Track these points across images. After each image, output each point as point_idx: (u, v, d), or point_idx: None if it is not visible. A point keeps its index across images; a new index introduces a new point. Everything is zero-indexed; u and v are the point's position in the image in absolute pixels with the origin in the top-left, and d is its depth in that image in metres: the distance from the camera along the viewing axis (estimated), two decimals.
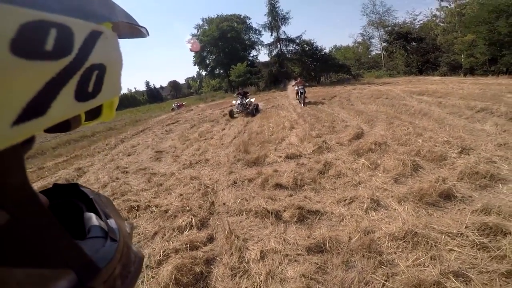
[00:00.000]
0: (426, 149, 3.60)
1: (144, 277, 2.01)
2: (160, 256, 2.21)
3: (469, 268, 1.62)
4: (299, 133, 5.63)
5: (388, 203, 2.59)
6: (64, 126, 0.30)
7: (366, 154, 3.93)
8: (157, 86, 68.64)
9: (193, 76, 60.76)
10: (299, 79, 12.05)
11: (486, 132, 4.17)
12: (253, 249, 2.20)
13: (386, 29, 29.13)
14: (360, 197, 2.74)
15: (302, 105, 10.54)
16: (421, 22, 27.25)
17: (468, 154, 3.33)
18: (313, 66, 26.81)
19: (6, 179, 0.22)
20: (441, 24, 23.61)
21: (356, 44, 34.47)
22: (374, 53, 32.40)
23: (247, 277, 1.90)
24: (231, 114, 10.30)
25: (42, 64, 0.20)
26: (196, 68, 44.42)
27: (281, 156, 4.48)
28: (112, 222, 0.37)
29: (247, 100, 10.65)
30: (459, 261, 1.68)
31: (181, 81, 72.00)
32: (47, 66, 0.20)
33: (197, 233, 2.51)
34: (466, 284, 1.51)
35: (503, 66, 15.57)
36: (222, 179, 3.95)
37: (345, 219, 2.45)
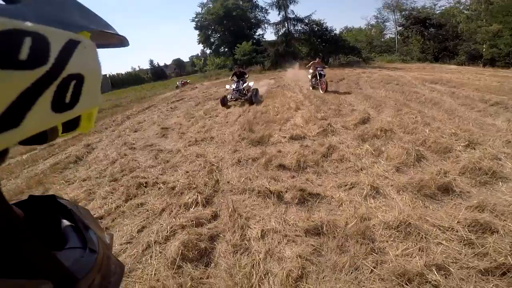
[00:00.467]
0: (432, 139, 3.62)
1: (152, 252, 2.18)
2: (167, 232, 2.36)
3: (452, 262, 1.74)
4: (304, 115, 5.66)
5: (388, 191, 2.68)
6: (40, 138, 0.29)
7: (370, 140, 3.98)
8: (161, 64, 68.14)
9: (197, 54, 60.14)
10: (317, 59, 9.93)
11: (496, 127, 4.12)
12: (255, 228, 2.34)
13: (403, 13, 27.80)
14: (361, 183, 2.84)
15: (321, 91, 8.83)
16: (443, 8, 26.10)
17: (474, 148, 3.33)
18: (321, 47, 25.79)
19: None
20: (465, 12, 22.35)
21: (369, 27, 33.35)
22: (387, 37, 31.43)
23: (247, 254, 2.05)
24: (224, 102, 8.42)
25: (16, 73, 0.20)
26: (201, 46, 43.79)
27: (285, 137, 4.56)
28: (91, 233, 0.37)
29: (244, 84, 8.76)
30: (444, 255, 1.79)
31: (185, 59, 71.08)
32: (21, 76, 0.20)
33: (203, 210, 2.66)
34: (446, 277, 1.63)
35: None
36: (226, 157, 4.08)
37: (344, 204, 2.55)
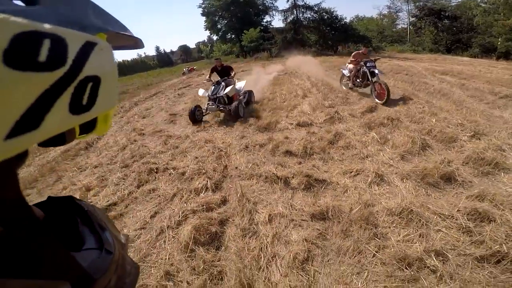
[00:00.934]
0: (438, 129, 3.63)
1: (166, 237, 2.26)
2: (179, 217, 2.45)
3: (450, 249, 1.81)
4: (311, 102, 5.66)
5: (392, 179, 2.75)
6: (58, 140, 0.29)
7: (377, 128, 4.01)
8: (167, 50, 67.24)
9: (204, 40, 59.64)
10: (363, 48, 6.77)
11: (503, 119, 4.09)
12: (262, 212, 2.42)
13: (417, 3, 27.09)
14: (366, 170, 2.90)
15: (377, 99, 5.53)
16: (459, 0, 25.10)
17: (479, 139, 3.34)
18: (331, 35, 25.81)
19: None
20: (482, 5, 21.39)
21: (381, 16, 32.81)
22: (399, 27, 30.97)
23: (256, 238, 2.14)
24: (194, 117, 5.39)
25: (35, 75, 0.19)
26: (207, 32, 43.64)
27: (292, 123, 4.61)
28: (107, 234, 0.37)
29: (227, 89, 5.48)
30: (443, 242, 1.87)
31: (192, 45, 70.65)
32: (40, 77, 0.20)
33: (212, 195, 2.75)
34: (443, 263, 1.71)
35: None
36: (234, 143, 4.15)
37: (349, 190, 2.63)
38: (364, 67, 5.92)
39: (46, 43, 0.20)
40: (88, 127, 0.32)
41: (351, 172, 2.97)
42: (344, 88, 7.03)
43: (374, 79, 5.68)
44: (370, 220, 2.16)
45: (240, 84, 6.27)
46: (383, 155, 3.26)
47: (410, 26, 27.81)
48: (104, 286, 0.31)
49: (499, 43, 18.05)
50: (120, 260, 0.36)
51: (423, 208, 2.21)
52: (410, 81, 7.74)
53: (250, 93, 6.44)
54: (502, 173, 2.64)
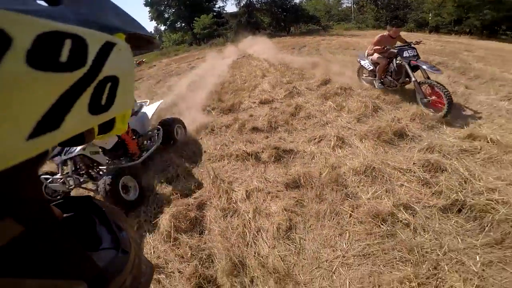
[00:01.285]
0: (386, 93, 3.81)
1: (145, 231, 2.06)
2: (154, 208, 2.25)
3: (415, 202, 1.87)
4: (271, 81, 5.53)
5: (352, 141, 2.82)
6: (78, 140, 0.28)
7: (332, 97, 4.06)
8: None
9: (151, 32, 53.67)
10: (392, 28, 3.88)
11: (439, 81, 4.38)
12: (239, 190, 2.33)
13: None
14: (328, 135, 2.94)
15: (426, 107, 3.22)
16: None
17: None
18: (283, 17, 25.38)
19: (20, 192, 0.22)
20: None
21: None
22: (344, 6, 31.35)
23: (237, 216, 2.04)
24: None
25: (57, 76, 0.19)
26: (154, 23, 38.94)
27: (255, 102, 4.50)
28: (124, 234, 0.36)
29: (75, 151, 2.21)
30: (407, 195, 1.94)
31: None
32: (61, 78, 0.19)
33: (185, 182, 2.56)
34: (413, 216, 1.76)
35: (466, 27, 15.73)
36: (199, 127, 3.89)
37: (316, 156, 2.65)
38: (400, 59, 3.58)
39: (67, 44, 0.19)
40: (106, 127, 0.32)
41: (315, 139, 2.99)
42: (365, 83, 4.46)
43: (419, 78, 3.39)
44: (340, 181, 2.18)
45: (148, 110, 3.27)
46: (341, 120, 3.33)
47: (354, 5, 28.48)
48: (120, 286, 0.30)
49: (430, 18, 19.58)
50: (136, 260, 0.35)
51: (384, 165, 2.28)
52: (357, 54, 7.88)
53: (172, 124, 3.27)
54: (444, 126, 2.86)
